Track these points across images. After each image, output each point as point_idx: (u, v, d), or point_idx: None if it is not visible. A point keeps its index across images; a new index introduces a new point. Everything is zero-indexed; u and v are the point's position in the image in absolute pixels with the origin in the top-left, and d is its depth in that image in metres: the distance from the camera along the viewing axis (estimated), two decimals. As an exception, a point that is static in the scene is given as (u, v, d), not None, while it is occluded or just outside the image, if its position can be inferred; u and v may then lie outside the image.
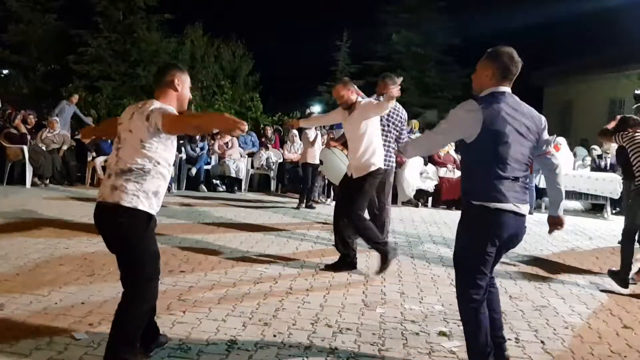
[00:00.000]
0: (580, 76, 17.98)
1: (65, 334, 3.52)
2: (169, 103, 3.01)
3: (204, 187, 11.08)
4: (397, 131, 6.14)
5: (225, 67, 22.14)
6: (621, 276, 5.26)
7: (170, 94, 3.05)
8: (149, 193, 2.92)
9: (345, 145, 6.55)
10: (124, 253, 2.99)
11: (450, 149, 11.25)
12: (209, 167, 11.48)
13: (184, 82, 3.09)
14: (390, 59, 23.07)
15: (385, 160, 6.14)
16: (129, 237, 2.94)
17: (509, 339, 3.89)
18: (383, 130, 6.08)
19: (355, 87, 5.47)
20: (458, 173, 10.80)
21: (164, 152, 2.96)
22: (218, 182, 11.32)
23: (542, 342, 3.87)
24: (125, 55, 19.26)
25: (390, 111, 6.04)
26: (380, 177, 5.39)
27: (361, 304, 4.45)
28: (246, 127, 2.69)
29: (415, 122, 12.55)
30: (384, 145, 6.03)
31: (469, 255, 3.08)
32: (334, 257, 5.61)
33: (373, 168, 5.20)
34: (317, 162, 9.61)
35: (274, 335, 3.72)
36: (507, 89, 3.08)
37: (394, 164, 6.24)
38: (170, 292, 4.46)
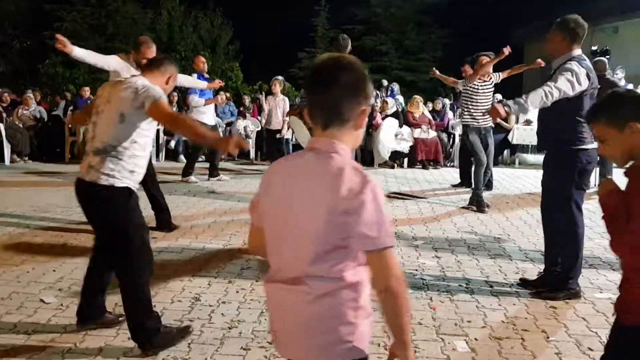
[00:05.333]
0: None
1: (35, 299, 3.68)
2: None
3: (183, 158, 11.17)
4: None
5: (204, 37, 21.98)
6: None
7: (159, 82, 3.08)
8: (124, 172, 2.89)
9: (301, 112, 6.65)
10: (107, 228, 3.00)
11: (425, 109, 11.39)
12: (187, 137, 11.56)
13: (174, 80, 3.21)
14: (370, 22, 22.98)
15: None
16: (109, 213, 2.94)
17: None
18: None
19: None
20: (433, 133, 10.97)
21: (144, 129, 2.92)
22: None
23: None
24: (101, 29, 19.09)
25: None
26: None
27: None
28: (243, 148, 2.87)
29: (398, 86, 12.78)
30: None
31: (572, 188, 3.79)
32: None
33: None
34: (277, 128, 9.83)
35: (237, 292, 3.90)
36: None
37: None
38: (140, 257, 4.62)
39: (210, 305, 3.64)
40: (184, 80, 5.97)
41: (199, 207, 6.65)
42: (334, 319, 1.52)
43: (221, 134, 11.45)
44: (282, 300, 1.60)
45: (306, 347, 1.57)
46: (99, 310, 3.25)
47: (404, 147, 10.66)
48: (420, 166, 10.73)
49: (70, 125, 10.94)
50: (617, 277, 3.09)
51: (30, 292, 3.79)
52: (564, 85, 3.63)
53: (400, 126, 10.77)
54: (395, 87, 12.42)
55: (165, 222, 5.53)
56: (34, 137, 10.86)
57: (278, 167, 1.67)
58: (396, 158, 10.78)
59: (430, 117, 11.37)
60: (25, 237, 5.23)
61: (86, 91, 11.93)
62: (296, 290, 1.53)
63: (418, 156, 10.75)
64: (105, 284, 3.24)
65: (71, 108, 11.92)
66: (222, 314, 3.51)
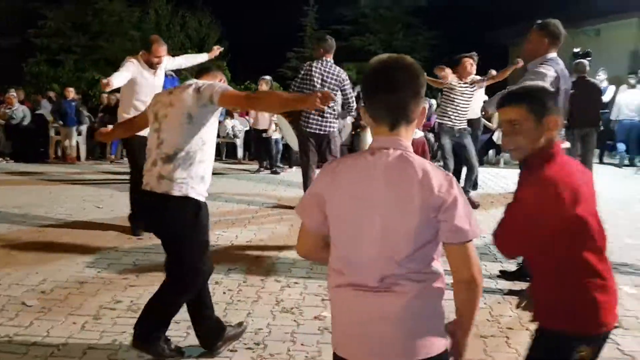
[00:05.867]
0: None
1: (17, 302, 3.63)
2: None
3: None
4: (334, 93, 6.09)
5: (191, 36, 21.90)
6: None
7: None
8: (196, 178, 2.79)
9: (290, 113, 6.59)
10: (171, 243, 2.92)
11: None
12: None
13: (225, 83, 3.05)
14: (358, 23, 23.00)
15: (324, 124, 6.13)
16: (177, 227, 2.85)
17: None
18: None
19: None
20: (420, 133, 10.98)
21: (211, 127, 2.83)
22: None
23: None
24: (86, 27, 18.92)
25: (323, 74, 5.99)
26: None
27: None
28: (328, 100, 2.54)
29: None
30: (321, 110, 6.00)
31: None
32: (291, 220, 5.78)
33: None
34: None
35: (224, 293, 3.88)
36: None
37: (334, 129, 6.14)
38: (125, 258, 4.59)
39: (195, 307, 3.61)
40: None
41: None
42: (433, 313, 1.58)
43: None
44: (369, 305, 1.53)
45: (405, 348, 1.53)
46: (216, 328, 3.07)
47: (391, 147, 10.67)
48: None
49: (53, 125, 10.82)
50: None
51: (12, 295, 3.74)
52: None
53: (387, 126, 10.76)
54: None
55: None
56: (13, 137, 10.73)
57: (344, 167, 1.60)
58: (383, 158, 10.79)
59: (417, 117, 11.39)
60: (8, 238, 5.16)
61: (70, 92, 11.70)
62: (389, 293, 1.52)
63: (405, 156, 10.77)
64: (205, 304, 3.06)
65: (51, 109, 11.65)
66: (208, 315, 3.48)
